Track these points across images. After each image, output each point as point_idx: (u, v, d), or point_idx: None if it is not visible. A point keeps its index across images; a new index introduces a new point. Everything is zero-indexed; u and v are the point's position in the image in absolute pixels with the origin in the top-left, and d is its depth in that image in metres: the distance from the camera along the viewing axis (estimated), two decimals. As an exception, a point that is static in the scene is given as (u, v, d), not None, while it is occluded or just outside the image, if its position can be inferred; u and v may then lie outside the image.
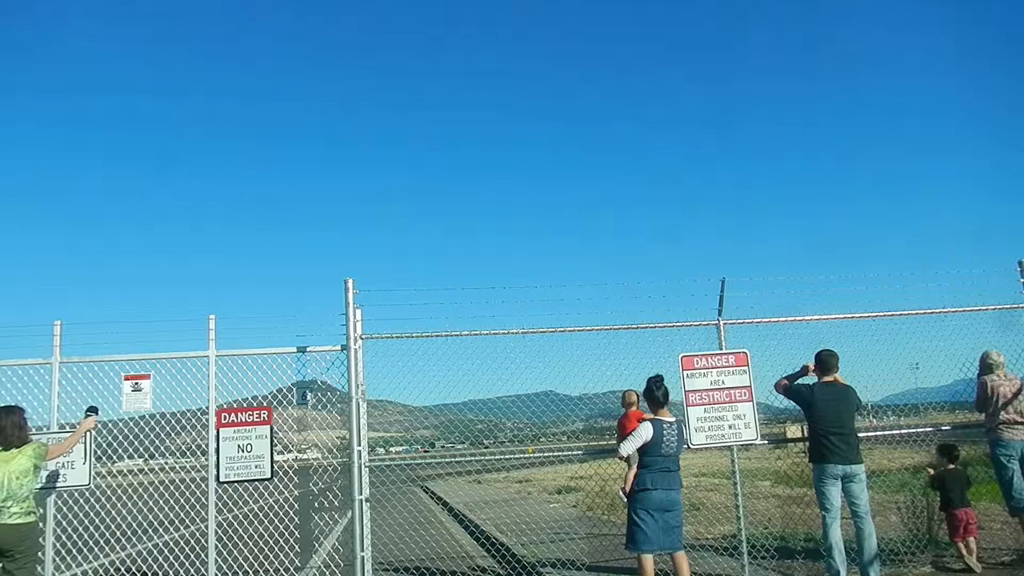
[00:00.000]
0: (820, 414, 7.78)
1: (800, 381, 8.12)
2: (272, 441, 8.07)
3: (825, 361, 7.97)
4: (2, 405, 6.72)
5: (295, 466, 8.59)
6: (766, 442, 9.02)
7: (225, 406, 8.17)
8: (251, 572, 8.26)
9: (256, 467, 7.99)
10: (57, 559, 7.89)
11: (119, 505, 8.36)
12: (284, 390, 8.41)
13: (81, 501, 8.09)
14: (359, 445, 7.68)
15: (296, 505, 8.42)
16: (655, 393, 7.28)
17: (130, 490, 8.41)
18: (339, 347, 8.14)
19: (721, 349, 8.41)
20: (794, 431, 13.81)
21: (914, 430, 9.27)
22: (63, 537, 7.95)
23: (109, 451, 8.30)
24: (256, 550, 8.35)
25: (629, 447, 7.13)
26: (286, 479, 8.39)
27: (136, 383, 8.03)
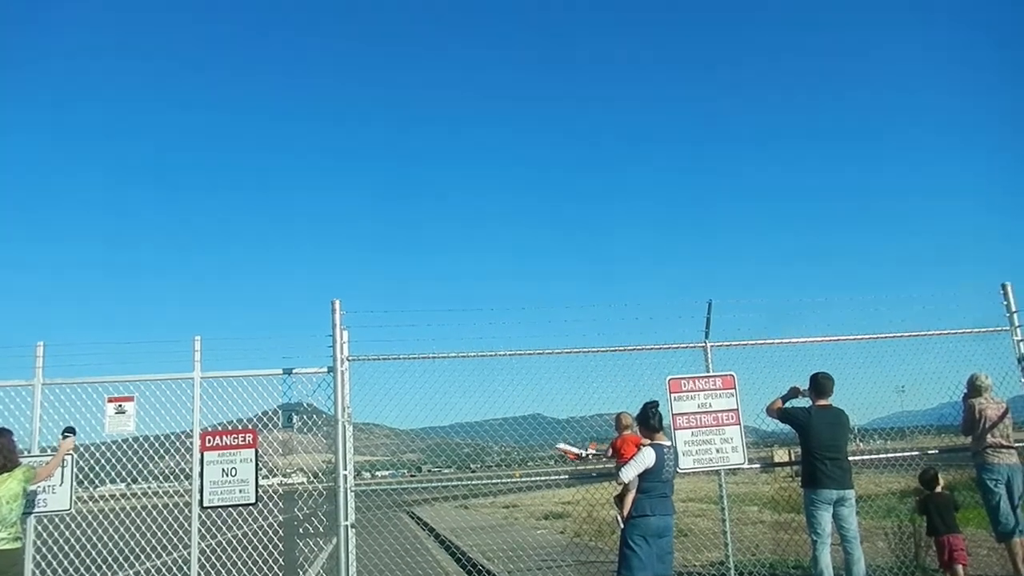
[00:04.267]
0: (816, 438, 7.73)
1: (791, 403, 8.12)
2: (257, 465, 7.99)
3: (822, 384, 7.93)
4: None
5: (280, 491, 8.48)
6: (755, 466, 9.02)
7: (210, 429, 8.09)
8: (234, 600, 8.12)
9: (240, 492, 7.90)
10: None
11: (100, 531, 8.22)
12: (270, 412, 8.34)
13: (62, 527, 7.96)
14: (345, 469, 7.62)
15: (281, 531, 8.30)
16: (651, 419, 7.29)
17: (112, 515, 8.29)
18: (325, 369, 8.09)
19: (708, 371, 8.42)
20: (781, 455, 13.83)
21: (901, 454, 9.27)
22: (42, 564, 7.81)
23: (91, 475, 8.18)
24: (240, 576, 8.22)
25: (631, 472, 7.04)
26: (271, 504, 8.28)
27: (120, 405, 7.94)
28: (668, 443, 7.35)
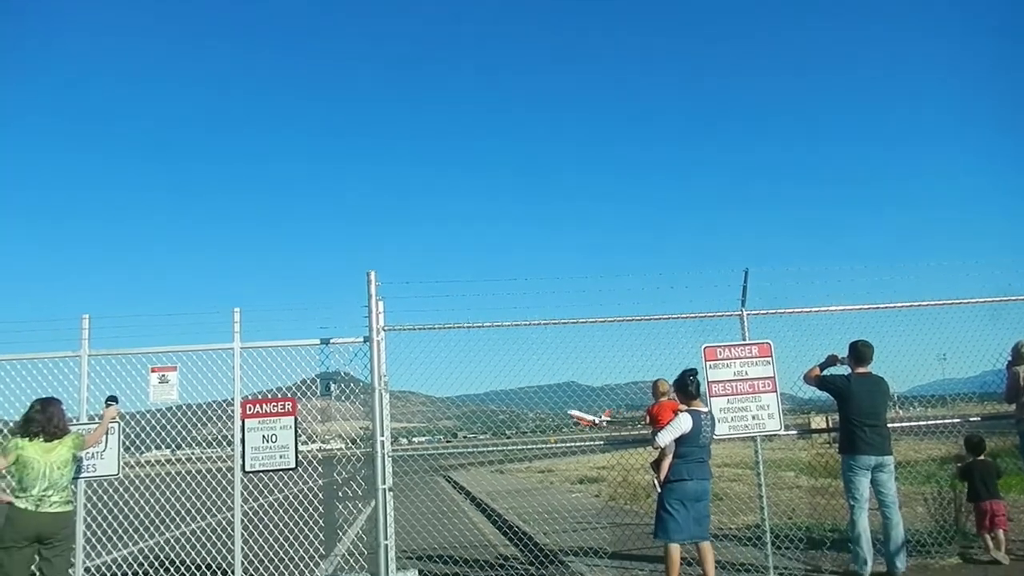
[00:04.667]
0: (856, 405, 7.75)
1: (830, 371, 8.09)
2: (296, 432, 8.15)
3: (861, 352, 7.93)
4: (41, 397, 6.83)
5: (319, 456, 8.65)
6: (792, 433, 8.96)
7: (250, 397, 8.26)
8: (276, 559, 8.35)
9: (281, 457, 8.08)
10: (88, 546, 8.03)
11: (147, 494, 8.48)
12: (308, 381, 8.48)
13: (111, 490, 8.22)
14: (382, 435, 7.73)
15: (320, 494, 8.48)
16: (689, 386, 7.37)
17: (158, 479, 8.53)
18: (362, 339, 8.18)
19: (744, 340, 8.35)
20: (818, 422, 13.71)
21: (942, 421, 9.16)
22: (93, 526, 8.08)
23: (137, 442, 8.42)
24: (281, 538, 8.44)
25: (668, 437, 7.17)
26: (310, 469, 8.45)
27: (163, 375, 8.13)
28: (705, 409, 7.43)
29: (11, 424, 7.32)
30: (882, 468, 7.70)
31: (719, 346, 8.22)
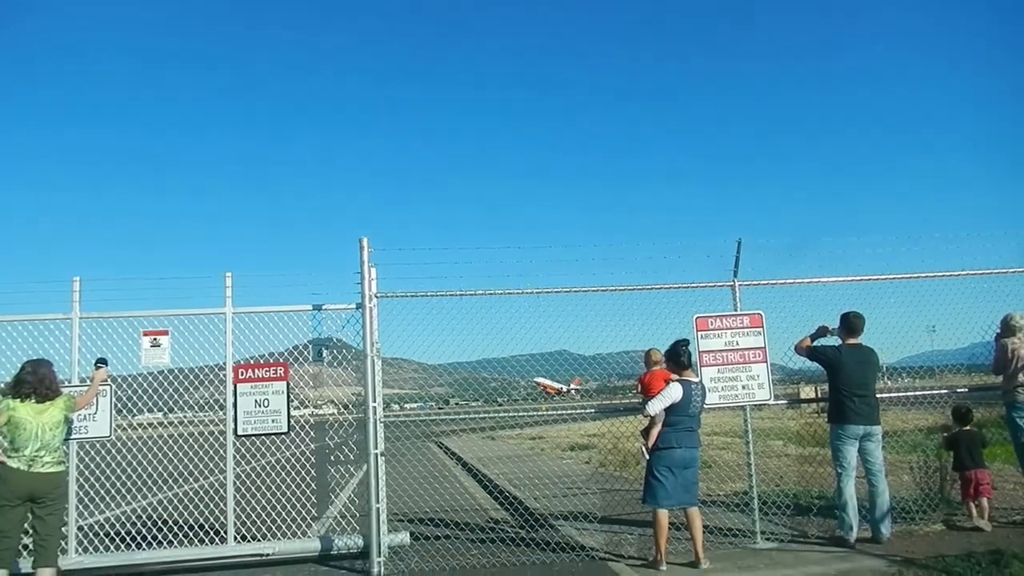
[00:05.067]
0: (846, 376, 7.85)
1: (820, 342, 8.15)
2: (289, 397, 8.18)
3: (853, 323, 8.01)
4: (32, 359, 6.83)
5: (311, 421, 8.70)
6: (781, 402, 9.02)
7: (242, 362, 8.27)
8: (268, 521, 8.43)
9: (273, 421, 8.12)
10: (80, 506, 8.09)
11: (139, 456, 8.53)
12: (300, 347, 8.49)
13: (103, 452, 8.26)
14: (374, 401, 7.76)
15: (312, 458, 8.55)
16: (681, 356, 7.46)
17: (150, 442, 8.57)
18: (354, 305, 8.17)
19: (736, 310, 8.37)
20: (808, 392, 13.83)
21: (929, 392, 9.24)
22: (86, 486, 8.14)
23: (129, 404, 8.44)
24: (274, 500, 8.52)
25: (658, 405, 7.28)
26: (303, 433, 8.50)
27: (155, 339, 8.12)
28: (696, 379, 7.51)
29: (1, 385, 7.32)
30: (870, 437, 7.82)
31: (710, 316, 8.24)
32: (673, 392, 7.26)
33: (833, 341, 8.14)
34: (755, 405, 8.40)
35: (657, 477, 7.25)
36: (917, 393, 9.46)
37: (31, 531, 6.49)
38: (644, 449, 7.44)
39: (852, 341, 8.01)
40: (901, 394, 9.80)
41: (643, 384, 9.03)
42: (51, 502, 6.47)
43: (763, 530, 8.14)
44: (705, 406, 7.65)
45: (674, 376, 7.48)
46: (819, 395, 10.88)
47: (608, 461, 14.88)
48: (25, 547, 6.79)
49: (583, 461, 17.56)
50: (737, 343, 8.17)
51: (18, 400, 6.43)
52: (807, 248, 8.82)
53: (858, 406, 7.77)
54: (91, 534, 8.22)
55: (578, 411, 9.91)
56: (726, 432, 19.54)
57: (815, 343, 8.16)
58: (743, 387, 8.12)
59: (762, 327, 8.23)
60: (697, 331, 8.14)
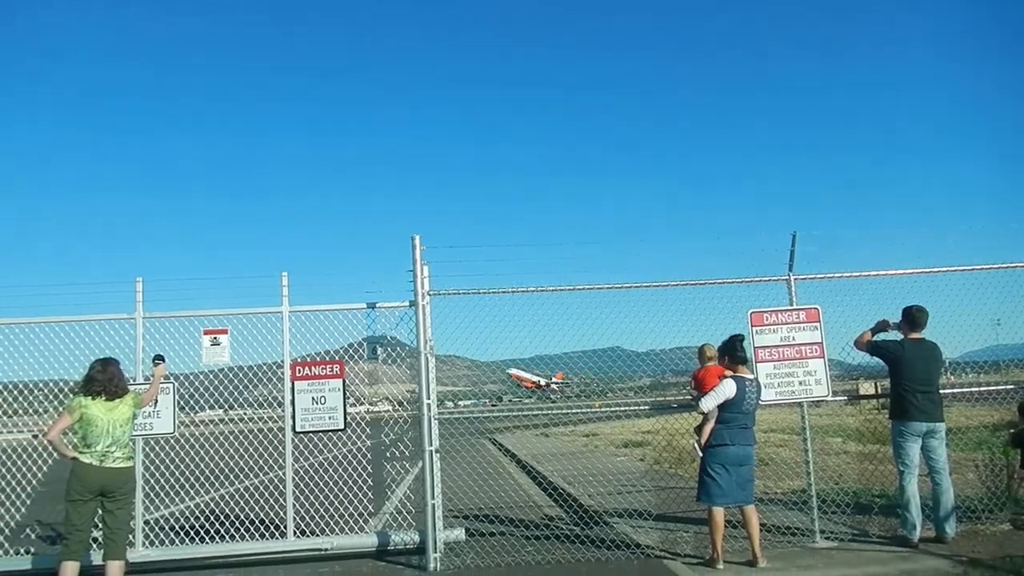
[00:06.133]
0: (909, 371, 7.67)
1: (881, 337, 7.97)
2: (345, 394, 8.32)
3: (916, 317, 7.82)
4: (101, 358, 7.05)
5: (367, 418, 8.82)
6: (840, 398, 8.83)
7: (299, 360, 8.44)
8: (327, 516, 8.58)
9: (330, 418, 8.28)
10: (146, 500, 8.34)
11: (201, 452, 8.76)
12: (355, 345, 8.63)
13: (167, 448, 8.51)
14: (428, 398, 7.84)
15: (368, 455, 8.67)
16: (737, 351, 7.39)
17: (212, 438, 8.79)
18: (407, 303, 8.27)
19: (792, 305, 8.23)
20: (867, 388, 13.50)
21: (995, 387, 8.96)
22: (151, 481, 8.39)
23: (191, 401, 8.68)
24: (331, 496, 8.66)
25: (711, 402, 7.22)
26: (359, 430, 8.64)
27: (215, 337, 8.34)
28: (751, 376, 7.41)
29: (71, 384, 7.58)
30: (933, 434, 7.63)
31: (766, 311, 8.12)
32: (726, 389, 7.18)
33: (894, 336, 7.96)
34: (812, 401, 8.26)
35: (711, 475, 7.18)
36: (982, 389, 9.16)
37: (101, 525, 6.71)
38: (696, 446, 7.37)
39: (915, 335, 7.83)
40: (965, 390, 9.51)
41: (696, 380, 8.93)
42: (121, 496, 6.68)
43: (822, 529, 8.00)
44: (761, 402, 7.55)
45: (728, 372, 7.40)
46: (879, 391, 10.62)
47: (662, 458, 14.75)
48: (94, 540, 7.02)
49: (637, 458, 17.44)
50: (793, 338, 8.03)
51: (89, 397, 6.65)
52: (866, 241, 8.59)
53: (921, 402, 7.59)
54: (156, 528, 8.49)
55: (632, 408, 9.84)
56: (783, 429, 19.22)
57: (876, 338, 7.98)
58: (800, 383, 7.99)
59: (819, 322, 8.08)
60: (752, 326, 8.03)
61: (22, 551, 8.16)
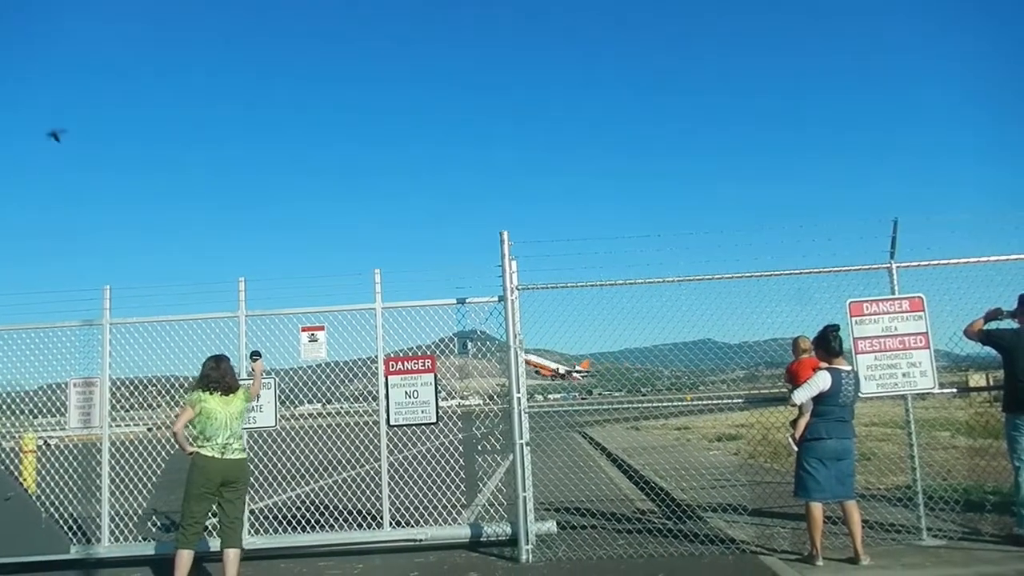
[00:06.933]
0: None
1: (994, 325, 7.58)
2: (436, 388, 8.49)
3: None
4: (213, 355, 7.36)
5: (458, 411, 8.97)
6: (947, 391, 8.44)
7: (392, 355, 8.66)
8: (421, 507, 8.78)
9: (423, 412, 8.45)
10: (251, 491, 8.72)
11: (301, 445, 9.10)
12: (446, 340, 8.78)
13: (270, 440, 8.88)
14: (518, 392, 7.90)
15: (461, 448, 8.81)
16: (832, 343, 7.13)
17: (311, 431, 9.12)
18: (496, 298, 8.36)
19: (893, 294, 7.90)
20: (978, 380, 12.83)
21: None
22: (255, 472, 8.76)
23: (291, 396, 9.03)
24: (425, 488, 8.85)
25: (804, 395, 7.03)
26: (450, 423, 8.79)
27: (312, 334, 8.64)
28: (848, 367, 7.16)
29: (181, 379, 7.98)
30: (1051, 428, 7.21)
31: (866, 301, 7.82)
32: (820, 381, 6.96)
33: (1008, 324, 7.54)
34: (917, 394, 7.92)
35: (807, 469, 6.99)
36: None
37: (218, 513, 7.04)
38: (791, 440, 7.20)
39: (1030, 324, 7.40)
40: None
41: (791, 373, 8.72)
42: (240, 486, 7.04)
43: (929, 526, 7.67)
44: (863, 395, 7.29)
45: (823, 364, 7.18)
46: (990, 383, 10.08)
47: (757, 452, 14.42)
48: (204, 528, 7.38)
49: (731, 452, 17.12)
50: (896, 328, 7.71)
51: (207, 392, 7.00)
52: (971, 225, 8.15)
53: None
54: (261, 517, 8.86)
55: (725, 401, 9.65)
56: (885, 423, 18.51)
57: (988, 326, 7.58)
58: (903, 375, 7.67)
59: (923, 311, 7.73)
60: (851, 316, 7.74)
61: (141, 539, 8.68)
